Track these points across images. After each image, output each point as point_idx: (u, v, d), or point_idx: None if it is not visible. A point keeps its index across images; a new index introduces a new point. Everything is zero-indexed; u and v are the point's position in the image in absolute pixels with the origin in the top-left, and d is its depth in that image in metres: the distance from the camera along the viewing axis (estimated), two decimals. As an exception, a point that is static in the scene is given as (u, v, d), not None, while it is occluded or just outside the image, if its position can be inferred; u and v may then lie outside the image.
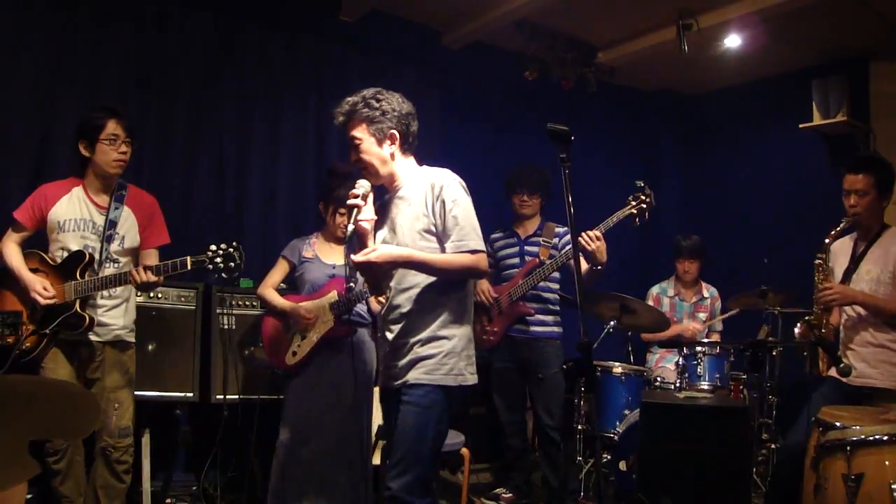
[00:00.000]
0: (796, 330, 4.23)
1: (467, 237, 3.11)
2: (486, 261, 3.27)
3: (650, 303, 5.90)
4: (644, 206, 4.59)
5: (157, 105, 5.12)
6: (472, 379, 3.19)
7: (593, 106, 6.99)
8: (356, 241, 3.23)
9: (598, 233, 4.52)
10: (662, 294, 6.11)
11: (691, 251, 5.95)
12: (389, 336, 3.22)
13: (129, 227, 3.99)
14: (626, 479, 4.83)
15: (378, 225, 3.31)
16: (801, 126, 6.40)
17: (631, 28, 6.27)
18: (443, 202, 3.13)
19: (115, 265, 3.93)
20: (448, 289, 3.18)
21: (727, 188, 7.47)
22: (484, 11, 5.86)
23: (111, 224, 3.90)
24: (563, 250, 4.96)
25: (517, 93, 6.74)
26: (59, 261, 3.84)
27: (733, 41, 6.07)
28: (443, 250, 3.15)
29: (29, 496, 3.87)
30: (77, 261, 3.79)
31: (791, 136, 6.62)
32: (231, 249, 3.74)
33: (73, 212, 3.89)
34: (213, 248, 3.72)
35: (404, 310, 3.18)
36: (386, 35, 6.11)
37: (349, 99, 3.25)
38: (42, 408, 1.53)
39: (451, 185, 3.17)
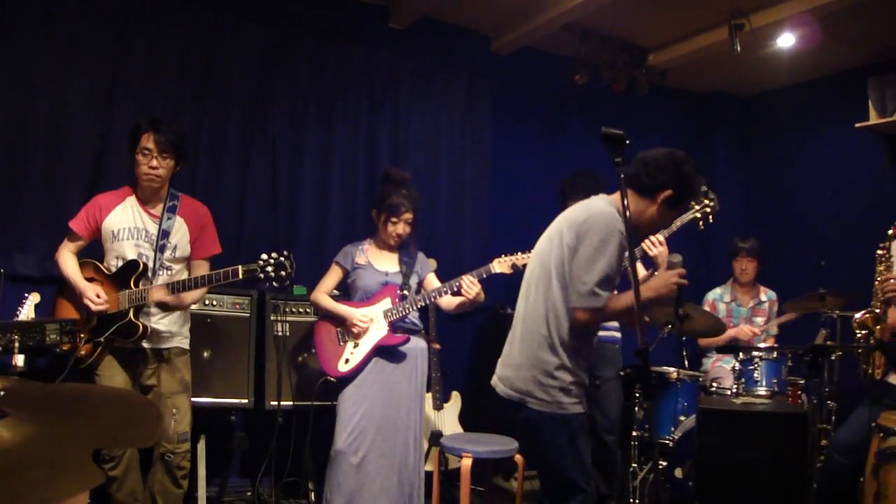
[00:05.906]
0: (857, 316, 4.13)
1: None
2: None
3: (706, 309, 5.80)
4: (708, 209, 4.57)
5: (211, 114, 5.17)
6: None
7: (645, 109, 6.92)
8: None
9: (660, 237, 4.48)
10: (718, 300, 6.02)
11: (749, 251, 5.85)
12: None
13: (181, 237, 4.01)
14: (681, 487, 4.77)
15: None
16: (857, 125, 6.25)
17: (682, 29, 6.19)
18: None
19: (168, 273, 3.96)
20: None
21: (783, 190, 7.33)
22: (533, 16, 5.82)
23: (164, 234, 3.93)
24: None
25: (568, 97, 6.70)
26: (113, 270, 3.88)
27: (787, 40, 5.94)
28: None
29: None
30: (131, 270, 3.82)
31: (847, 136, 6.48)
32: (282, 258, 3.76)
33: (126, 221, 3.92)
34: (265, 257, 3.75)
35: None
36: (435, 42, 6.12)
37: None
38: (106, 417, 1.55)
39: None
